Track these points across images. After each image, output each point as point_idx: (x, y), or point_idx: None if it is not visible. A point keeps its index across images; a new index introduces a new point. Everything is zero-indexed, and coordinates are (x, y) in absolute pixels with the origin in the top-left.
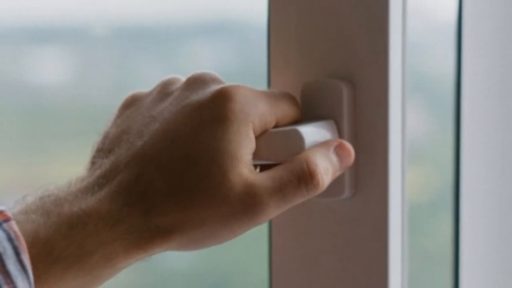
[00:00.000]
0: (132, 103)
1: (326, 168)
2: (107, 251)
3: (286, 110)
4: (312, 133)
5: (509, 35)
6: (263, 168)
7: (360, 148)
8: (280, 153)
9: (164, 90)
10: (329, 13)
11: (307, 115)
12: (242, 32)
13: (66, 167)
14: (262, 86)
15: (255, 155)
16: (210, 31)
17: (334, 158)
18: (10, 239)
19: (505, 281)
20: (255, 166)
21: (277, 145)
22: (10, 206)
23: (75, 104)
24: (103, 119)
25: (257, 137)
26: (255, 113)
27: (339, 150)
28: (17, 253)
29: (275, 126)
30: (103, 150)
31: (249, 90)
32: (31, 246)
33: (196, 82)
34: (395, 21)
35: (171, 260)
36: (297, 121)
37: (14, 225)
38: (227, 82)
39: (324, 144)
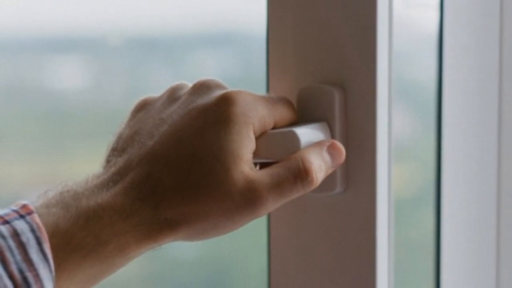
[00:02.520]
0: (143, 106)
1: (319, 166)
2: (120, 241)
3: (283, 113)
4: (307, 134)
5: (486, 46)
6: (263, 166)
7: (351, 147)
8: (278, 152)
9: (173, 95)
10: (322, 25)
11: (302, 117)
12: (243, 42)
13: (83, 165)
14: (262, 91)
15: (255, 154)
16: (214, 42)
17: (327, 156)
18: (32, 230)
19: (483, 268)
20: (255, 164)
21: (275, 145)
22: (33, 200)
23: (92, 107)
24: (117, 121)
25: (257, 138)
26: (255, 115)
27: (332, 150)
28: (39, 243)
29: (274, 128)
30: (117, 150)
31: (249, 94)
32: (51, 237)
33: (201, 87)
34: (382, 33)
35: (178, 250)
36: (294, 123)
37: (36, 218)
38: (229, 88)
39: (318, 144)
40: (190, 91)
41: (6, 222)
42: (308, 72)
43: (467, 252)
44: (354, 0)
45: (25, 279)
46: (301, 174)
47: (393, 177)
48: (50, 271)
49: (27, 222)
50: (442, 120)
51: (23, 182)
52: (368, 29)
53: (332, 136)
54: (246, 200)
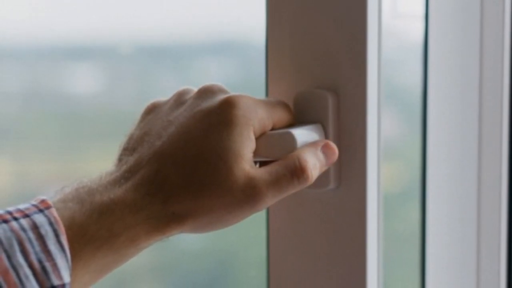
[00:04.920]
0: (152, 109)
1: (314, 164)
2: (131, 233)
3: (281, 115)
4: (303, 134)
5: (467, 54)
6: (262, 164)
7: (343, 147)
8: (277, 152)
9: (179, 98)
10: (317, 35)
11: (298, 119)
12: (244, 50)
13: (97, 163)
14: (261, 95)
15: (255, 153)
16: (217, 49)
17: (321, 155)
18: (50, 223)
19: (464, 258)
20: (255, 162)
21: (274, 145)
22: (51, 195)
23: (105, 110)
24: (128, 123)
25: (257, 138)
26: (255, 118)
27: (325, 149)
28: (56, 235)
29: (272, 129)
30: (128, 149)
31: (250, 98)
32: (68, 229)
33: (206, 92)
34: (372, 42)
35: (184, 241)
36: (291, 125)
37: (54, 212)
38: (231, 92)
39: (313, 144)
40: (196, 95)
41: (26, 215)
42: (304, 78)
43: (450, 243)
44: (346, 12)
45: (43, 268)
46: (297, 171)
47: (382, 174)
48: (67, 260)
49: (46, 216)
50: (427, 121)
51: (42, 179)
52: (359, 38)
53: (326, 136)
54: (247, 196)
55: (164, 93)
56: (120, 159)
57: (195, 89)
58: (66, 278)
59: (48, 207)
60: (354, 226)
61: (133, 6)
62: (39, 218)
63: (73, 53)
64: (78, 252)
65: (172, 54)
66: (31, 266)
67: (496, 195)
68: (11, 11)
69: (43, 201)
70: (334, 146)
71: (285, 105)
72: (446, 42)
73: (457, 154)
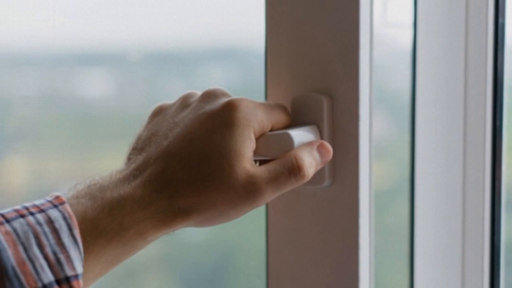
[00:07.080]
0: (159, 112)
1: (310, 163)
2: (140, 227)
3: (279, 117)
4: (299, 135)
5: (453, 59)
6: (262, 162)
7: (337, 146)
8: (275, 151)
9: (185, 101)
10: (313, 43)
11: (295, 121)
12: (245, 56)
13: (108, 162)
14: (260, 98)
15: (255, 153)
16: (220, 56)
17: (316, 154)
18: (64, 218)
19: (450, 250)
20: (255, 161)
21: (272, 145)
22: (65, 192)
23: (115, 113)
24: (137, 125)
25: (257, 138)
26: (255, 119)
27: (321, 149)
28: (70, 229)
29: (271, 130)
30: (137, 149)
31: (250, 101)
32: (80, 224)
33: (209, 95)
34: (364, 49)
35: (189, 235)
36: (288, 126)
37: (68, 207)
38: (233, 96)
39: (309, 144)
40: (200, 99)
41: (41, 211)
42: (300, 83)
43: (437, 236)
44: (340, 21)
45: (58, 260)
46: (294, 169)
47: (373, 172)
48: (80, 253)
49: (60, 211)
50: (415, 123)
51: (57, 176)
52: (351, 46)
53: (321, 137)
54: (247, 192)
55: (170, 97)
56: (129, 158)
57: (199, 93)
58: (79, 269)
59: (62, 203)
60: (347, 220)
61: (142, 16)
62: (54, 213)
63: (86, 60)
64: (90, 244)
65: (178, 60)
66: (46, 257)
67: (479, 192)
68: (29, 20)
69: (57, 197)
70: (328, 146)
71: (283, 108)
72: (433, 49)
73: (443, 153)
